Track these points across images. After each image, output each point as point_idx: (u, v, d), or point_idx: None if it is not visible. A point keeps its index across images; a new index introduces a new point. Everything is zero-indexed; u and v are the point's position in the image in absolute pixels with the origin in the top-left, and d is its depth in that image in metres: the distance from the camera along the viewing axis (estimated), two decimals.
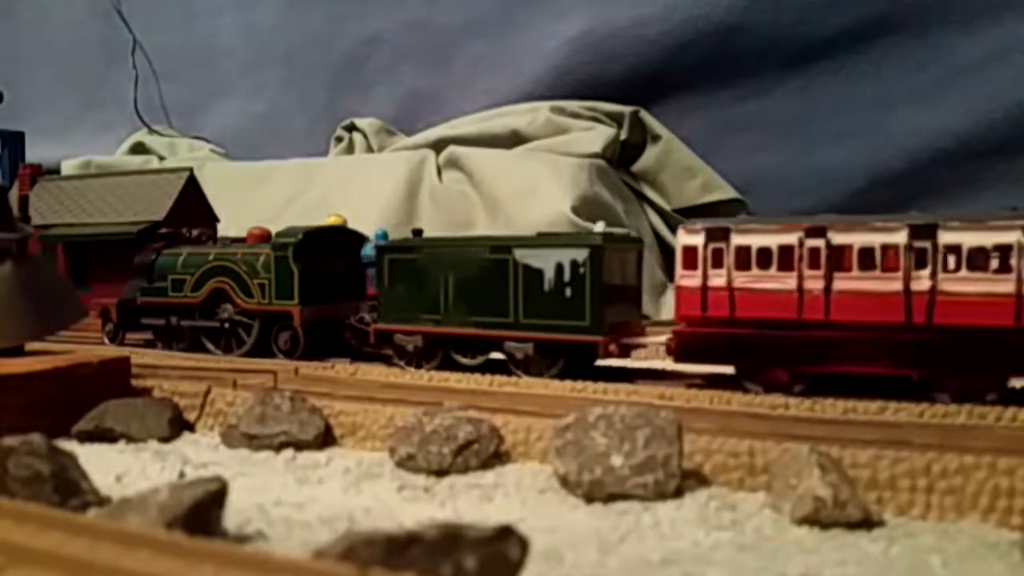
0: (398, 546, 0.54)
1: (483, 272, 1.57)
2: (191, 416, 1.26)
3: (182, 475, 0.99)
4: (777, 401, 1.19)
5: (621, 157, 2.80)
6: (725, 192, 2.76)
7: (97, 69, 4.22)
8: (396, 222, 2.62)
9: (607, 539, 0.78)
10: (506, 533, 0.56)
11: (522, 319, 1.54)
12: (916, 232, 1.24)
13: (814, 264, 1.31)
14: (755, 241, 1.35)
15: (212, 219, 2.28)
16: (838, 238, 1.29)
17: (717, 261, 1.37)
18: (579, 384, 1.33)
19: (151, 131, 3.85)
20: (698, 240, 1.39)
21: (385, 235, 1.78)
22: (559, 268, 1.50)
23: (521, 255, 1.54)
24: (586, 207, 2.49)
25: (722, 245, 1.37)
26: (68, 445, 0.93)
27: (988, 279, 1.20)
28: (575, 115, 2.81)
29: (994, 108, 2.53)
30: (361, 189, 2.81)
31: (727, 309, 1.36)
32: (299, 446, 1.11)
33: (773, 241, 1.34)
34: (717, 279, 1.37)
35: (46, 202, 2.33)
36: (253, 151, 3.45)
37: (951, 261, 1.23)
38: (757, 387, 1.35)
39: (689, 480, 0.93)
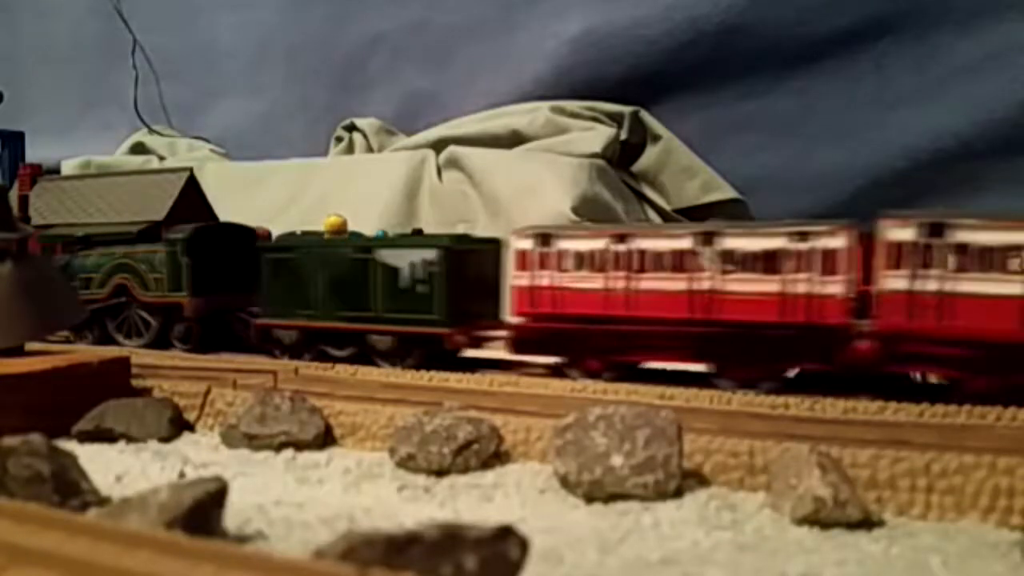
0: (398, 546, 0.54)
1: (349, 271, 1.71)
2: (191, 416, 1.26)
3: (182, 475, 0.99)
4: (777, 401, 1.19)
5: (621, 157, 2.80)
6: (725, 192, 2.76)
7: (97, 69, 4.22)
8: (396, 222, 2.62)
9: (607, 539, 0.78)
10: (506, 533, 0.56)
11: (383, 314, 1.68)
12: (699, 239, 1.40)
13: (619, 266, 1.46)
14: (573, 245, 1.51)
15: (212, 219, 2.28)
16: (638, 243, 1.46)
17: (543, 263, 1.53)
18: (579, 384, 1.34)
19: (151, 131, 3.85)
20: (528, 244, 1.54)
21: (384, 236, 1.79)
22: (413, 267, 1.64)
23: (381, 255, 1.68)
24: (586, 207, 2.49)
25: (547, 249, 1.53)
26: (68, 445, 0.93)
27: (757, 279, 1.36)
28: (575, 115, 2.81)
29: (994, 108, 2.53)
30: (361, 189, 2.81)
31: (552, 306, 1.52)
32: (299, 446, 1.11)
33: (587, 246, 1.49)
34: (543, 279, 1.53)
35: (46, 202, 2.33)
36: (253, 151, 3.45)
37: (733, 263, 1.38)
38: (577, 374, 1.51)
39: (689, 480, 0.93)
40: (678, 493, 0.90)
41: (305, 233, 1.88)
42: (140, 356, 1.50)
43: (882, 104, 2.67)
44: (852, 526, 0.81)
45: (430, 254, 1.62)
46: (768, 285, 1.36)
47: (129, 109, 3.97)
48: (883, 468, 0.88)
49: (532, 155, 2.73)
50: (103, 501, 0.82)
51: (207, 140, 3.79)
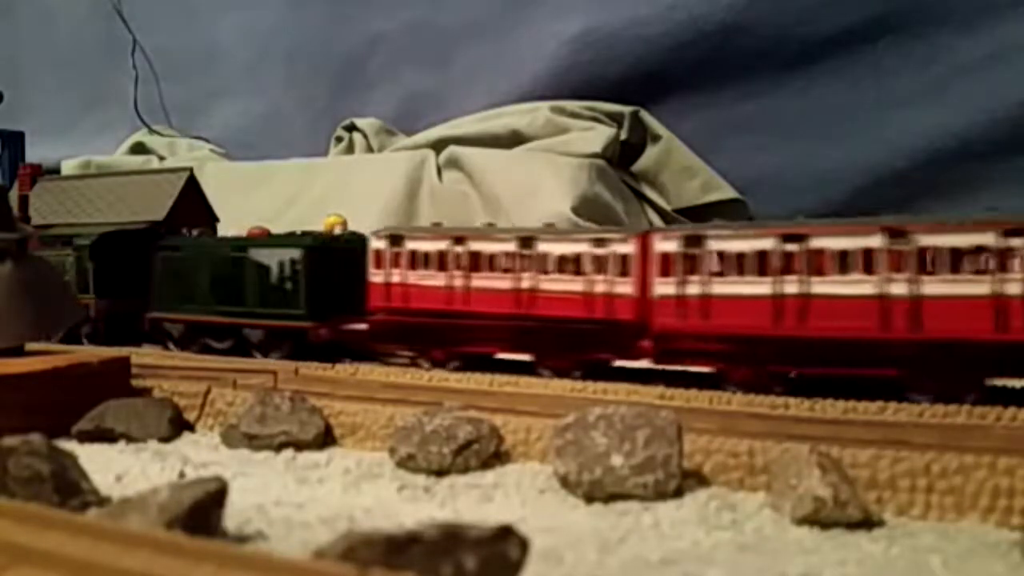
0: (398, 546, 0.54)
1: (228, 268, 1.85)
2: (191, 416, 1.26)
3: (182, 475, 0.99)
4: (777, 401, 1.19)
5: (621, 157, 2.80)
6: (725, 192, 2.76)
7: (97, 69, 4.22)
8: (396, 222, 2.62)
9: (607, 539, 0.78)
10: (506, 533, 0.56)
11: (256, 309, 1.81)
12: (522, 242, 1.54)
13: (461, 265, 1.60)
14: (420, 246, 1.64)
15: (212, 219, 2.28)
16: (474, 245, 1.59)
17: (395, 262, 1.66)
18: (579, 384, 1.33)
19: (151, 131, 3.85)
20: (382, 244, 1.67)
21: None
22: (282, 265, 1.78)
23: (254, 253, 1.82)
24: (586, 207, 2.49)
25: (398, 249, 1.66)
26: (68, 445, 0.93)
27: (567, 280, 1.51)
28: (575, 115, 2.81)
29: (994, 108, 2.53)
30: (361, 189, 2.81)
31: (402, 301, 1.65)
32: (299, 446, 1.11)
33: (431, 247, 1.63)
34: (397, 276, 1.66)
35: (46, 202, 2.33)
36: (253, 151, 3.45)
37: (548, 265, 1.52)
38: (426, 363, 1.63)
39: (689, 480, 0.93)
40: (678, 493, 0.90)
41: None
42: (140, 356, 1.50)
43: (882, 104, 2.67)
44: (852, 526, 0.81)
45: (296, 253, 1.77)
46: (575, 285, 1.50)
47: (129, 109, 3.97)
48: (883, 468, 0.88)
49: (532, 155, 2.74)
50: (103, 501, 0.82)
51: (207, 140, 3.79)
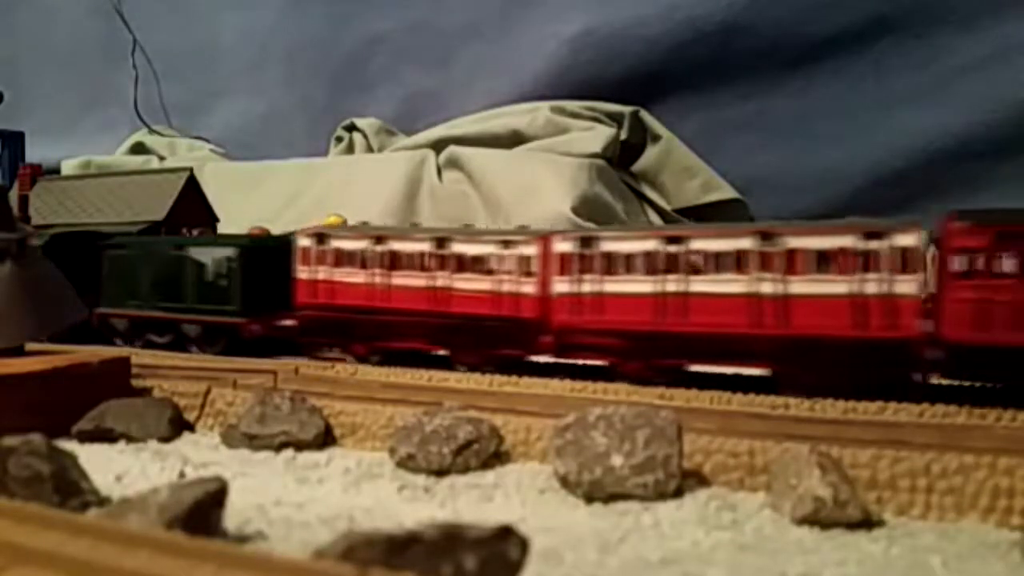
0: (398, 546, 0.54)
1: (168, 266, 1.92)
2: (191, 416, 1.26)
3: (182, 475, 0.99)
4: (777, 401, 1.19)
5: (621, 157, 2.80)
6: (725, 192, 2.76)
7: (97, 69, 4.22)
8: (396, 222, 2.62)
9: (607, 539, 0.78)
10: (506, 533, 0.56)
11: (193, 305, 1.88)
12: (437, 243, 1.61)
13: (381, 264, 1.66)
14: (344, 244, 1.70)
15: (212, 219, 2.28)
16: (394, 244, 1.66)
17: (321, 260, 1.72)
18: (579, 384, 1.34)
19: (151, 131, 3.85)
20: (309, 243, 1.74)
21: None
22: (217, 263, 1.86)
23: (192, 252, 1.89)
24: (586, 207, 2.49)
25: (323, 247, 1.72)
26: (68, 445, 0.93)
27: (477, 279, 1.57)
28: (575, 115, 2.81)
29: (994, 108, 2.53)
30: (361, 189, 2.81)
31: (328, 297, 1.71)
32: (299, 446, 1.11)
33: (354, 245, 1.69)
34: (322, 274, 1.72)
35: (46, 202, 2.33)
36: (253, 151, 3.45)
37: (461, 264, 1.59)
38: (349, 356, 1.70)
39: (689, 480, 0.93)
40: (678, 493, 0.90)
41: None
42: (140, 356, 1.50)
43: (882, 104, 2.67)
44: (852, 526, 0.81)
45: (230, 252, 1.84)
46: (484, 284, 1.57)
47: (129, 109, 3.97)
48: (883, 468, 0.88)
49: (532, 155, 2.73)
50: (103, 501, 0.82)
51: (207, 140, 3.79)
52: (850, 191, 2.66)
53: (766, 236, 1.34)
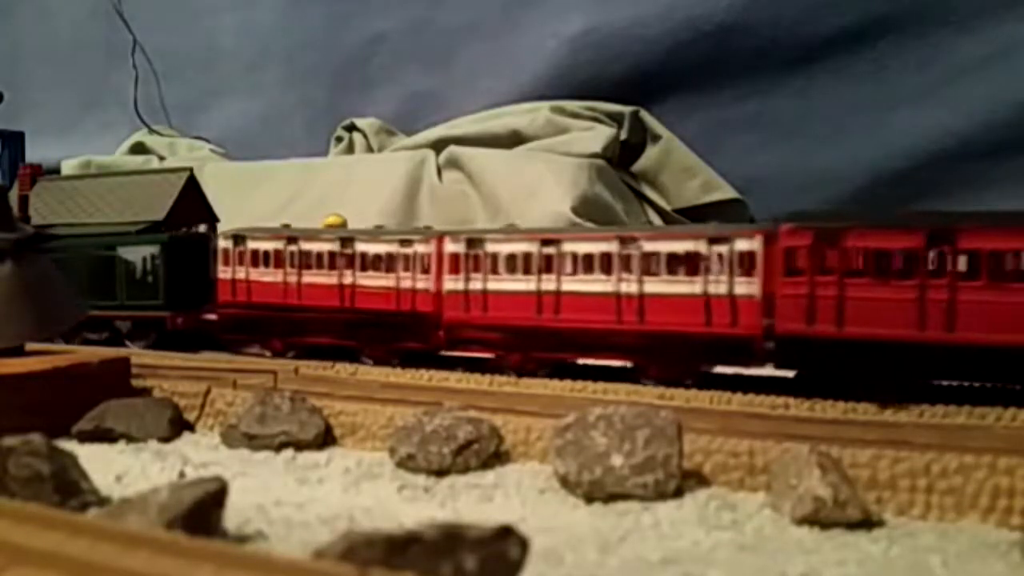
0: (398, 546, 0.54)
1: (100, 264, 2.00)
2: (191, 416, 1.26)
3: (182, 475, 0.99)
4: (777, 401, 1.20)
5: (621, 157, 2.80)
6: (725, 192, 2.76)
7: (97, 69, 4.22)
8: (396, 222, 2.62)
9: (607, 539, 0.78)
10: (506, 533, 0.56)
11: (125, 301, 1.98)
12: (342, 242, 1.73)
13: (293, 264, 1.78)
14: (259, 245, 1.82)
15: (212, 219, 2.28)
16: (304, 245, 1.77)
17: (240, 260, 1.83)
18: (579, 384, 1.34)
19: (151, 131, 3.84)
20: (228, 244, 1.85)
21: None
22: (144, 260, 1.96)
23: (121, 251, 1.99)
24: (586, 207, 2.49)
25: (242, 248, 1.83)
26: (68, 445, 0.93)
27: (380, 277, 1.69)
28: (575, 115, 2.81)
29: (994, 108, 2.52)
30: (361, 189, 2.80)
31: (247, 295, 1.82)
32: (299, 446, 1.11)
33: (269, 246, 1.81)
34: (241, 273, 1.83)
35: (46, 202, 2.32)
36: (253, 151, 3.45)
37: (364, 263, 1.71)
38: (265, 351, 1.82)
39: (689, 480, 0.93)
40: (678, 493, 0.90)
41: None
42: (140, 356, 1.50)
43: (882, 104, 2.67)
44: (852, 526, 0.81)
45: (155, 250, 1.95)
46: (386, 281, 1.68)
47: (129, 109, 3.97)
48: (883, 468, 0.88)
49: (532, 155, 2.73)
50: (103, 501, 0.82)
51: (207, 140, 3.78)
52: (850, 191, 2.66)
53: (625, 240, 1.47)
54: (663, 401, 1.21)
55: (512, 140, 2.84)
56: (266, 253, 1.81)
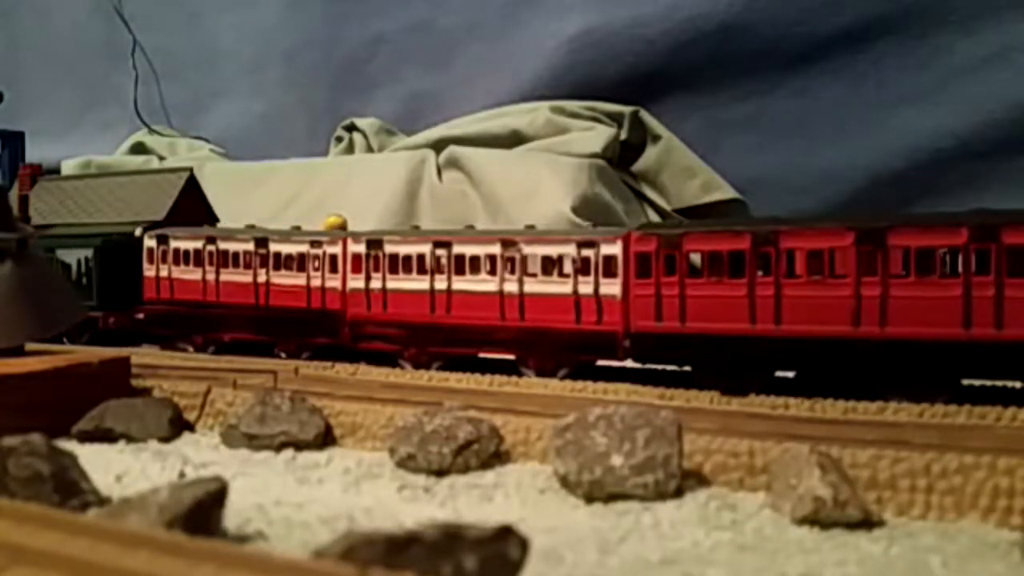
0: (398, 546, 0.54)
1: None
2: (191, 416, 1.26)
3: (182, 475, 0.99)
4: (777, 401, 1.20)
5: (621, 157, 2.80)
6: (725, 192, 2.76)
7: (97, 69, 4.22)
8: (396, 222, 2.62)
9: (607, 539, 0.78)
10: (506, 533, 0.56)
11: None
12: (257, 243, 1.82)
13: (212, 263, 1.87)
14: (181, 245, 1.91)
15: (212, 219, 2.28)
16: (222, 244, 1.86)
17: (164, 259, 1.93)
18: (579, 384, 1.34)
19: (151, 131, 3.84)
20: (153, 243, 1.94)
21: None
22: (79, 262, 2.04)
23: (60, 253, 2.06)
24: (586, 207, 2.49)
25: (166, 247, 1.93)
26: (68, 445, 0.93)
27: (293, 275, 1.79)
28: (575, 115, 2.81)
29: (994, 108, 2.52)
30: (361, 189, 2.80)
31: (170, 293, 1.92)
32: (299, 446, 1.11)
33: (190, 245, 1.90)
34: (164, 271, 1.92)
35: (46, 202, 2.33)
36: (253, 151, 3.45)
37: (278, 262, 1.81)
38: (186, 346, 1.90)
39: (689, 480, 0.93)
40: (678, 493, 0.90)
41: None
42: (140, 356, 1.50)
43: (882, 104, 2.67)
44: (852, 526, 0.81)
45: (88, 252, 2.03)
46: (298, 280, 1.78)
47: (129, 109, 3.97)
48: (883, 468, 0.88)
49: (532, 155, 2.73)
50: (103, 501, 0.82)
51: (207, 140, 3.78)
52: (850, 191, 2.66)
53: (507, 244, 1.58)
54: (663, 401, 1.22)
55: (512, 140, 2.84)
56: (187, 252, 1.90)
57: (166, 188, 2.20)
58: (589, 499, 0.89)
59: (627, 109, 2.79)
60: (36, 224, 2.20)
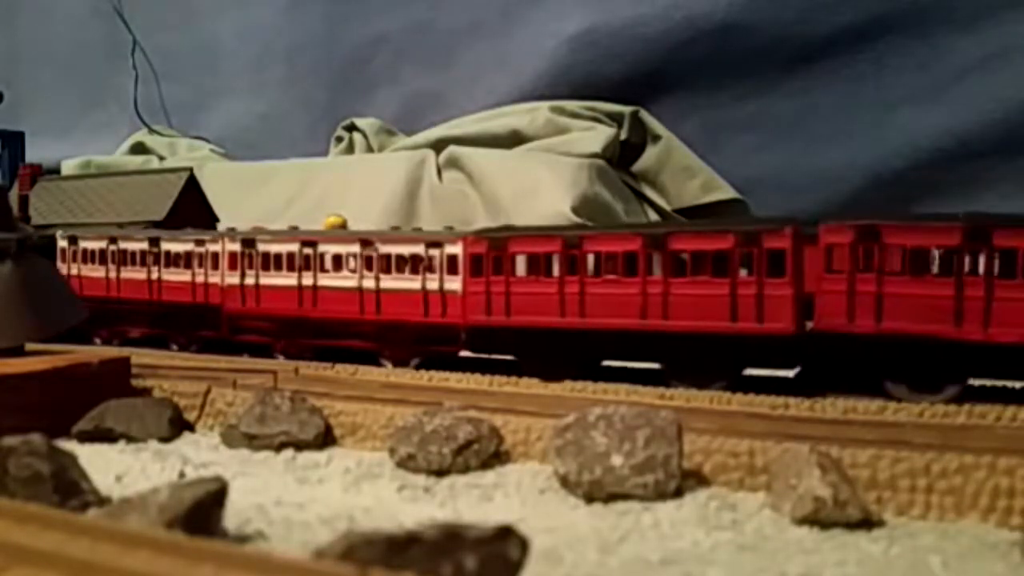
0: (398, 546, 0.54)
1: None
2: (191, 416, 1.26)
3: (182, 475, 0.99)
4: (777, 401, 1.19)
5: (621, 157, 2.80)
6: (725, 192, 2.76)
7: (97, 69, 4.22)
8: (396, 222, 2.62)
9: (607, 539, 0.78)
10: (506, 533, 0.56)
11: None
12: (150, 242, 1.95)
13: (114, 261, 1.99)
14: (88, 244, 2.03)
15: (212, 219, 2.28)
16: (122, 244, 1.98)
17: (74, 258, 2.03)
18: (579, 384, 1.34)
19: (151, 131, 3.84)
20: (64, 244, 2.05)
21: None
22: None
23: None
24: (586, 207, 2.49)
25: (76, 247, 2.04)
26: (68, 445, 0.93)
27: (181, 271, 1.91)
28: (575, 115, 2.81)
29: (994, 108, 2.53)
30: (361, 189, 2.81)
31: (79, 290, 1.94)
32: (299, 446, 1.11)
33: (94, 245, 2.02)
34: (75, 270, 2.03)
35: (46, 202, 2.33)
36: (253, 151, 3.45)
37: (169, 260, 1.93)
38: (98, 341, 2.00)
39: (689, 480, 0.93)
40: (678, 493, 0.90)
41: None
42: (140, 356, 1.50)
43: (882, 104, 2.67)
44: (852, 526, 0.81)
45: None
46: (186, 276, 1.90)
47: (129, 109, 3.97)
48: (883, 468, 0.88)
49: (532, 155, 2.73)
50: (103, 501, 0.82)
51: (207, 140, 3.78)
52: (850, 191, 2.66)
53: (366, 243, 1.70)
54: (663, 401, 1.21)
55: (512, 140, 2.84)
56: (92, 251, 2.02)
57: (166, 188, 2.20)
58: (589, 499, 0.89)
59: (627, 109, 2.79)
60: (36, 224, 2.20)
